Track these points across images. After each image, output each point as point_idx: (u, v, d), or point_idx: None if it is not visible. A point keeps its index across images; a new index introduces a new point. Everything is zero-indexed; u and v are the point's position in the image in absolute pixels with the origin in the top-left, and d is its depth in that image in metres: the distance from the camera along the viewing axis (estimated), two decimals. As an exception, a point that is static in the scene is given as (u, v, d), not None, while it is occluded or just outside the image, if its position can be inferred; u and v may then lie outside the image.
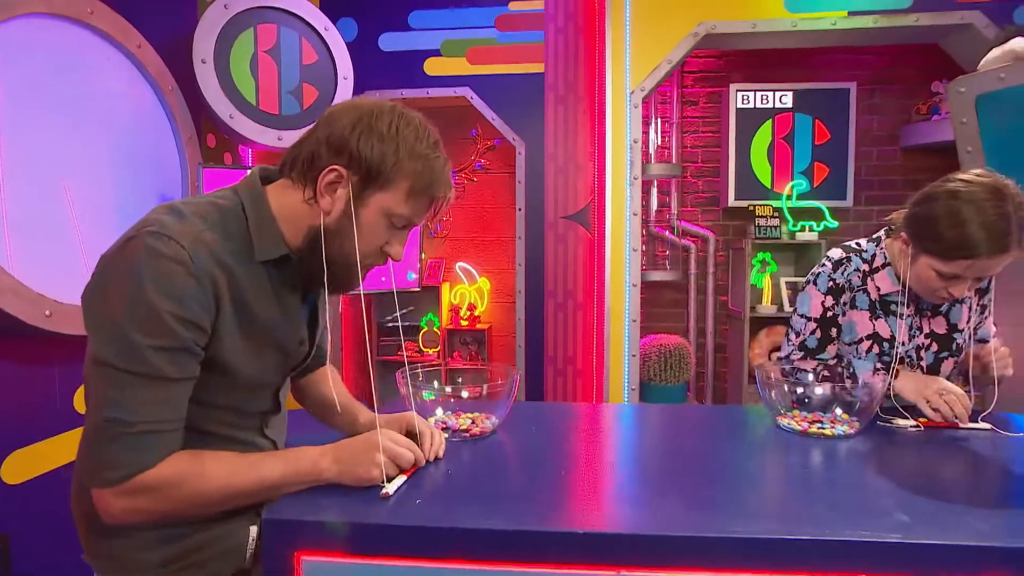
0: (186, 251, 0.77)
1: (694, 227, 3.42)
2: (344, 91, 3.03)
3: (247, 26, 2.73)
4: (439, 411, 1.16)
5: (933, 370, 1.34)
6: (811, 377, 1.29)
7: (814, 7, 2.62)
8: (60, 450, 1.77)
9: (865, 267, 1.36)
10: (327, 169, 0.83)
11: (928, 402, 1.19)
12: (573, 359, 3.40)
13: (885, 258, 1.34)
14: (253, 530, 0.91)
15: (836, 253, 1.40)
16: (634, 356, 2.83)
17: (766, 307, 3.19)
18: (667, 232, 3.41)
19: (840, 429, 1.10)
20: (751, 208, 3.20)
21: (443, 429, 1.09)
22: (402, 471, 0.88)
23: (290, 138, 2.82)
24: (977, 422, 1.17)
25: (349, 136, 0.83)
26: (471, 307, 3.97)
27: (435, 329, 4.03)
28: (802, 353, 1.39)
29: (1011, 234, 1.09)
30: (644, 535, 0.72)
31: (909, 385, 1.23)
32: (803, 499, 0.85)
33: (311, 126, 0.89)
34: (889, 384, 1.25)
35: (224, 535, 0.89)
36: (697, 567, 0.70)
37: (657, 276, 3.25)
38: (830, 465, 0.99)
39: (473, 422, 1.13)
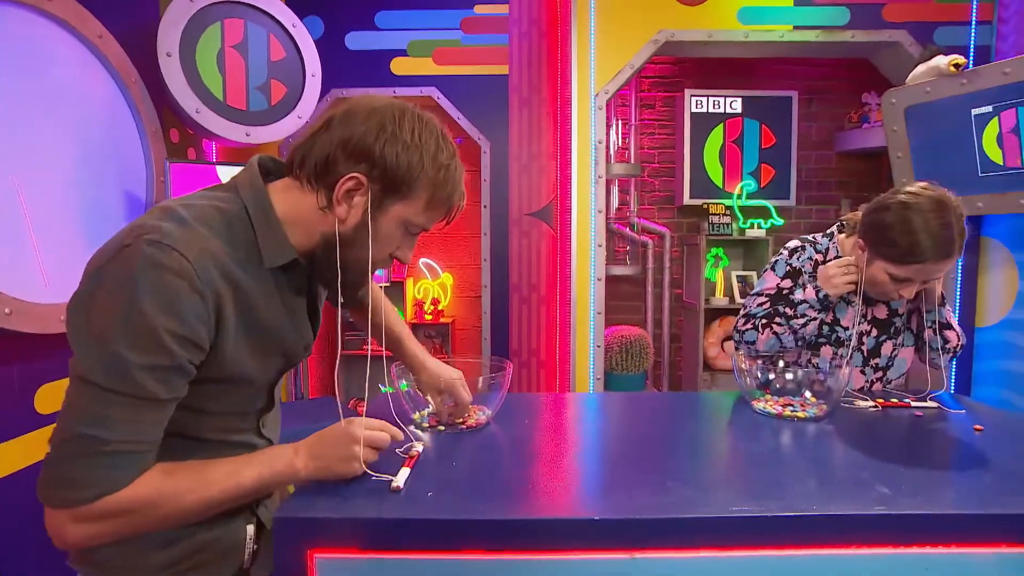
0: (191, 264, 0.71)
1: (651, 224, 3.60)
2: (312, 89, 3.04)
3: (214, 20, 2.70)
4: (432, 404, 1.16)
5: (873, 353, 1.50)
6: (782, 364, 1.41)
7: (764, 20, 2.84)
8: (20, 452, 1.66)
9: (818, 257, 1.52)
10: (346, 177, 0.78)
11: (831, 279, 1.38)
12: (537, 351, 3.52)
13: (837, 252, 1.51)
14: (250, 529, 0.89)
15: (793, 243, 1.57)
16: (599, 347, 2.98)
17: (719, 299, 3.41)
18: (626, 229, 3.58)
19: (811, 411, 1.21)
20: (705, 207, 3.41)
21: (437, 422, 1.12)
22: (403, 463, 0.87)
23: (258, 134, 2.82)
24: (926, 401, 1.33)
25: (373, 143, 0.78)
26: (435, 301, 4.03)
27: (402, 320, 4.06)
28: (746, 319, 1.53)
29: (954, 241, 1.23)
30: (658, 519, 0.76)
31: (825, 288, 1.41)
32: (794, 477, 0.90)
33: (320, 124, 0.82)
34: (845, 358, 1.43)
35: (222, 536, 0.86)
36: (708, 546, 0.75)
37: (618, 271, 3.41)
38: (809, 444, 1.06)
39: (467, 414, 1.14)
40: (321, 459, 0.82)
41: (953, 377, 2.91)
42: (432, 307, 4.00)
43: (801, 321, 1.43)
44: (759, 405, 1.27)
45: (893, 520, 0.77)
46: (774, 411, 1.23)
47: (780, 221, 3.48)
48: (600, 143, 2.86)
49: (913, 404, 1.32)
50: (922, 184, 1.30)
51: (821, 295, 1.41)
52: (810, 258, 1.52)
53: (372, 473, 0.84)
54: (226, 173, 2.72)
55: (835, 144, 3.64)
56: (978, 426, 1.17)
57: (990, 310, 2.79)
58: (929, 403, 1.32)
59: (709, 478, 0.91)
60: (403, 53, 3.39)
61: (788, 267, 1.53)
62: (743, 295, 3.43)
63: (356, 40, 3.39)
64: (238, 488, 0.78)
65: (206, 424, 0.82)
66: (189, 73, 2.57)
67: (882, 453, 1.04)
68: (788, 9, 2.84)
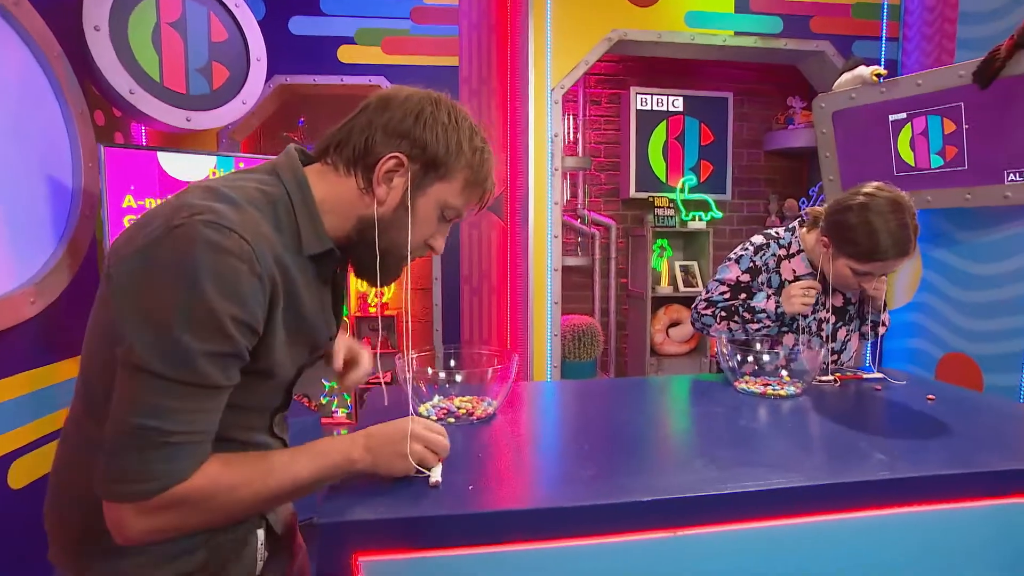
0: (250, 247, 0.69)
1: (598, 216, 3.73)
2: (257, 74, 2.91)
3: (148, -7, 2.52)
4: (436, 397, 1.18)
5: (832, 338, 1.65)
6: (759, 346, 1.52)
7: (708, 24, 3.01)
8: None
9: (782, 252, 1.66)
10: (388, 156, 0.79)
11: (792, 299, 1.52)
12: (489, 341, 3.58)
13: (799, 245, 1.65)
14: (260, 534, 0.87)
15: (758, 239, 1.70)
16: (556, 336, 3.06)
17: (664, 288, 3.59)
18: (576, 221, 3.69)
19: (790, 389, 1.33)
20: (651, 200, 3.57)
21: (445, 414, 1.12)
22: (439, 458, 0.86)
23: (199, 120, 2.68)
24: (874, 372, 1.51)
25: (413, 125, 0.80)
26: (379, 294, 3.97)
27: (343, 317, 3.98)
28: (707, 303, 1.68)
29: (911, 240, 1.37)
30: (698, 496, 0.80)
31: (784, 306, 1.55)
32: (801, 450, 0.99)
33: (355, 112, 0.84)
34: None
35: (233, 542, 0.83)
36: (745, 519, 0.81)
37: (570, 261, 3.51)
38: (801, 420, 1.16)
39: (472, 406, 1.14)
40: (376, 454, 0.80)
41: (867, 354, 3.24)
42: (376, 300, 3.95)
43: (756, 325, 1.58)
44: (742, 386, 1.38)
45: (896, 483, 0.87)
46: (757, 390, 1.35)
47: (719, 214, 3.71)
48: (556, 136, 2.93)
49: (865, 377, 1.50)
50: (877, 184, 1.43)
51: (779, 311, 1.56)
52: (774, 255, 1.65)
53: (421, 470, 0.83)
54: (168, 160, 2.56)
55: (764, 143, 3.92)
56: (930, 396, 1.34)
57: (898, 294, 3.12)
58: (877, 373, 1.51)
59: (729, 456, 0.97)
60: (351, 41, 3.31)
61: (751, 263, 1.66)
62: (686, 284, 3.64)
63: (301, 25, 3.27)
64: (294, 482, 0.76)
65: (233, 422, 0.79)
66: (121, 50, 2.39)
67: (865, 425, 1.18)
68: (729, 15, 3.02)
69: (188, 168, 2.64)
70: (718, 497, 0.82)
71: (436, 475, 0.83)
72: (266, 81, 3.01)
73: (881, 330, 1.69)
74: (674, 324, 3.68)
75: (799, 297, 1.52)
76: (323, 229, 0.81)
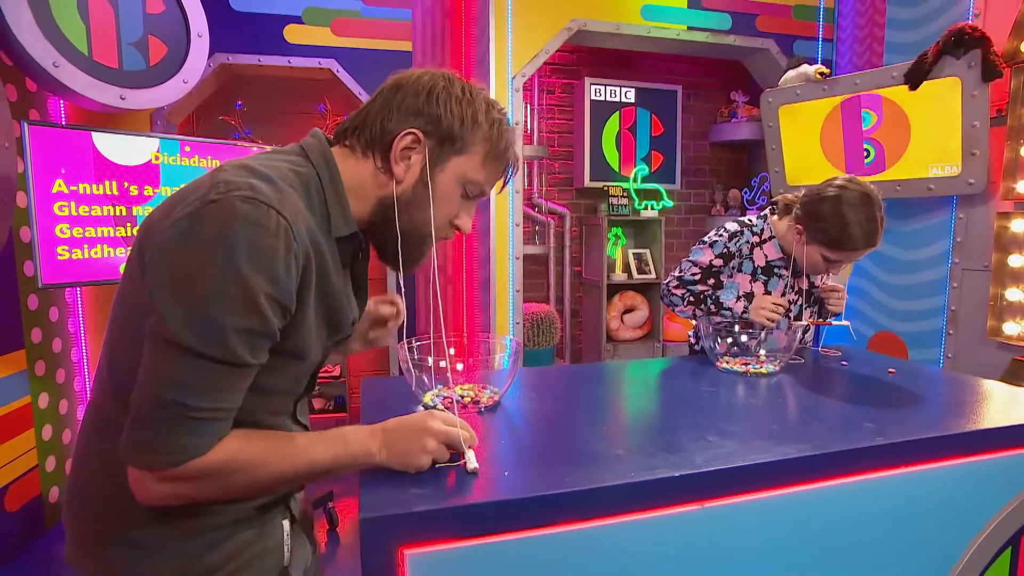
0: (288, 224, 0.68)
1: (553, 205, 3.77)
2: (199, 50, 2.75)
3: (72, -42, 2.32)
4: (438, 386, 1.16)
5: (797, 317, 1.77)
6: (737, 327, 1.59)
7: (662, 18, 3.10)
8: None
9: (755, 239, 1.74)
10: (403, 133, 0.79)
11: (760, 310, 1.61)
12: (446, 331, 3.55)
13: (771, 232, 1.74)
14: (286, 525, 0.85)
15: (732, 226, 1.77)
16: (518, 323, 3.09)
17: (618, 275, 3.69)
18: (532, 210, 3.71)
19: (770, 367, 1.41)
20: (605, 188, 3.65)
21: (450, 403, 1.10)
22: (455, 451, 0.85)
23: (136, 98, 2.50)
24: (841, 320, 1.66)
25: (426, 100, 0.79)
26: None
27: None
28: (678, 282, 1.79)
29: (879, 232, 1.47)
30: (723, 469, 0.85)
31: (751, 314, 1.64)
32: (801, 423, 1.06)
33: (372, 97, 0.83)
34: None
35: (259, 536, 0.82)
36: (762, 488, 0.86)
37: (529, 250, 3.53)
38: (789, 394, 1.24)
39: (476, 394, 1.14)
40: (395, 448, 0.80)
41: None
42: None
43: (718, 318, 1.67)
44: (724, 365, 1.45)
45: (889, 448, 0.96)
46: (740, 369, 1.43)
47: (671, 203, 3.84)
48: (517, 124, 2.94)
49: (832, 322, 1.69)
50: (847, 177, 1.53)
51: (745, 315, 1.65)
52: (747, 241, 1.74)
53: (440, 464, 0.83)
54: (105, 142, 2.37)
55: (709, 135, 4.08)
56: (891, 369, 1.45)
57: (835, 279, 3.34)
58: (844, 322, 1.69)
59: (737, 431, 1.02)
60: (298, 20, 3.18)
61: (725, 249, 1.74)
62: (639, 271, 3.74)
63: (242, 1, 3.10)
64: (311, 466, 0.76)
65: (248, 403, 0.75)
66: (41, 17, 2.18)
67: (845, 397, 1.27)
68: (682, 10, 3.12)
69: (127, 151, 2.45)
70: (742, 469, 0.88)
71: (473, 462, 0.83)
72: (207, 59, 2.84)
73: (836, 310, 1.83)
74: (629, 311, 3.78)
75: (767, 311, 1.61)
76: (350, 212, 0.81)
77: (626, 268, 3.71)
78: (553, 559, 0.78)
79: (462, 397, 1.14)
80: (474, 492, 0.77)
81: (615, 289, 3.72)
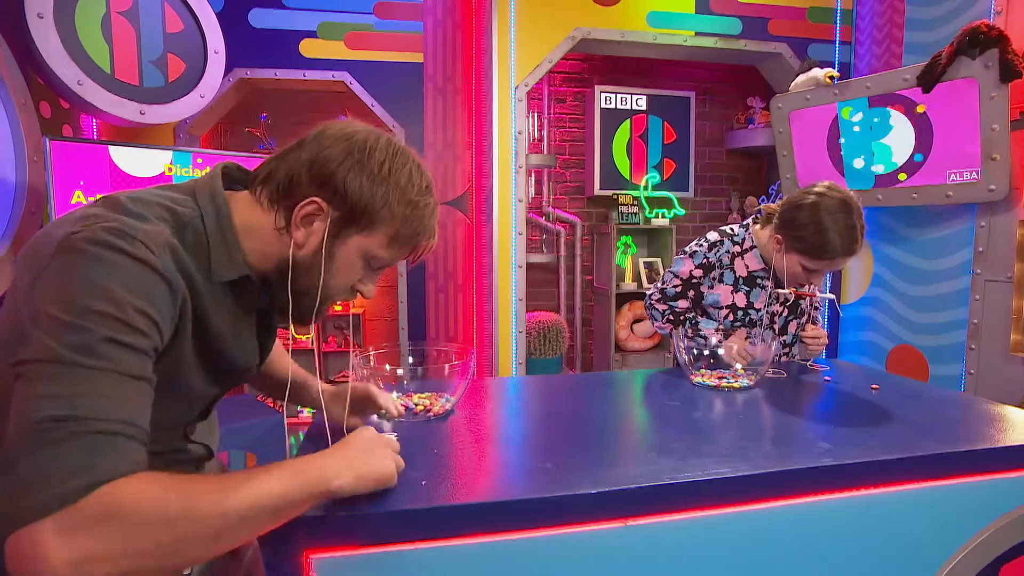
0: (154, 255, 0.66)
1: (563, 213, 3.76)
2: (216, 66, 2.85)
3: (95, -19, 2.44)
4: (394, 393, 1.16)
5: (783, 330, 1.71)
6: (714, 341, 1.54)
7: (670, 25, 3.06)
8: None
9: (736, 248, 1.70)
10: (306, 200, 0.75)
11: (730, 351, 1.51)
12: (455, 338, 3.57)
13: (752, 242, 1.70)
14: None
15: (713, 236, 1.73)
16: (521, 332, 3.08)
17: (628, 284, 3.64)
18: (541, 218, 3.71)
19: (744, 381, 1.37)
20: (615, 197, 3.62)
21: (405, 411, 1.11)
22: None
23: (154, 113, 2.61)
24: (826, 292, 1.60)
25: (336, 169, 0.75)
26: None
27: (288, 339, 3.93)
28: (660, 296, 1.75)
29: (858, 241, 1.42)
30: (648, 487, 0.82)
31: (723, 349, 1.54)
32: (749, 440, 1.01)
33: (294, 143, 0.80)
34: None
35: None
36: (693, 507, 0.83)
37: (535, 258, 3.53)
38: (752, 411, 1.20)
39: (431, 403, 1.14)
40: (359, 467, 0.72)
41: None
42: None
43: (693, 336, 1.63)
44: (698, 379, 1.42)
45: (839, 469, 0.90)
46: (712, 383, 1.39)
47: (682, 211, 3.78)
48: (520, 134, 2.95)
49: (819, 295, 1.62)
50: (827, 184, 1.48)
51: (716, 340, 1.56)
52: (728, 251, 1.69)
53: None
54: (121, 155, 2.49)
55: (725, 142, 4.00)
56: (875, 385, 1.39)
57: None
58: (830, 294, 1.64)
59: (682, 447, 0.99)
60: (313, 35, 3.26)
61: (705, 259, 1.70)
62: (650, 280, 3.69)
63: (261, 18, 3.21)
64: (266, 497, 0.62)
65: None
66: (67, 39, 2.31)
67: (812, 415, 1.22)
68: (690, 16, 3.08)
69: (142, 163, 2.56)
70: (667, 487, 0.84)
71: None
72: (225, 74, 2.95)
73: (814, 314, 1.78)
74: (638, 320, 3.73)
75: (735, 356, 1.51)
76: (239, 256, 0.77)
77: (636, 277, 3.66)
78: (460, 571, 0.77)
79: (416, 405, 1.14)
80: (383, 500, 0.76)
81: (625, 298, 3.68)
